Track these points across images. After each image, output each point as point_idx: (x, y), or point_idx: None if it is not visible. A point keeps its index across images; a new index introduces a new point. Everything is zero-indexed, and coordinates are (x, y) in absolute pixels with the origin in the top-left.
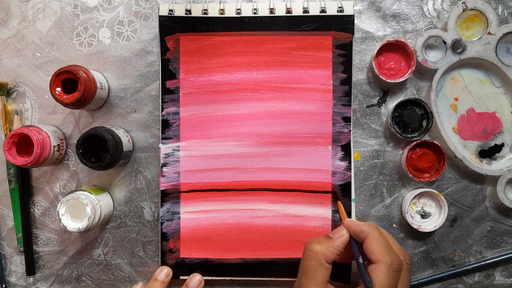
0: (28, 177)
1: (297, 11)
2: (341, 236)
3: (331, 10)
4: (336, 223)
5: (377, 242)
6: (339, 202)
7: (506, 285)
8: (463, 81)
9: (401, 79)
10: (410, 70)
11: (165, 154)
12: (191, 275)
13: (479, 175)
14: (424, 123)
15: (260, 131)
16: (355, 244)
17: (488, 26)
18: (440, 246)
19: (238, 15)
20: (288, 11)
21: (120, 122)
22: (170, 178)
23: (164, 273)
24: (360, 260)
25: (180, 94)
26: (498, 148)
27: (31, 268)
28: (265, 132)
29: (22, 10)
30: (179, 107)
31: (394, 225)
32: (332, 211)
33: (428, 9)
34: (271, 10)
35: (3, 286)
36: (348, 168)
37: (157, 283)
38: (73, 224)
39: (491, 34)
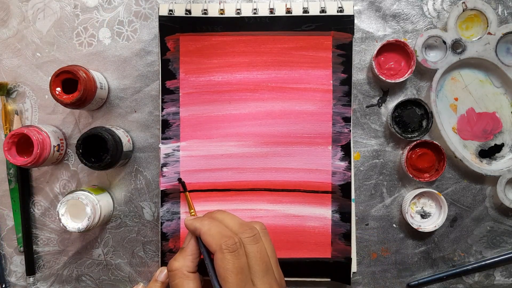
0: (28, 177)
1: (297, 11)
2: (190, 240)
3: (331, 10)
4: (336, 223)
5: (209, 233)
6: (187, 194)
7: (506, 285)
8: (463, 81)
9: (401, 79)
10: (410, 70)
11: (165, 154)
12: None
13: (479, 175)
14: (424, 123)
15: (260, 131)
16: (200, 241)
17: (488, 26)
18: (440, 246)
19: (238, 15)
20: (288, 11)
21: (120, 122)
22: (170, 178)
23: (164, 274)
24: (206, 258)
25: (180, 94)
26: (498, 148)
27: (31, 268)
28: (265, 132)
29: (22, 10)
30: (179, 107)
31: (394, 225)
32: (332, 211)
33: (428, 9)
34: (271, 10)
35: (3, 286)
36: (348, 168)
37: (157, 284)
38: (73, 224)
39: (491, 34)
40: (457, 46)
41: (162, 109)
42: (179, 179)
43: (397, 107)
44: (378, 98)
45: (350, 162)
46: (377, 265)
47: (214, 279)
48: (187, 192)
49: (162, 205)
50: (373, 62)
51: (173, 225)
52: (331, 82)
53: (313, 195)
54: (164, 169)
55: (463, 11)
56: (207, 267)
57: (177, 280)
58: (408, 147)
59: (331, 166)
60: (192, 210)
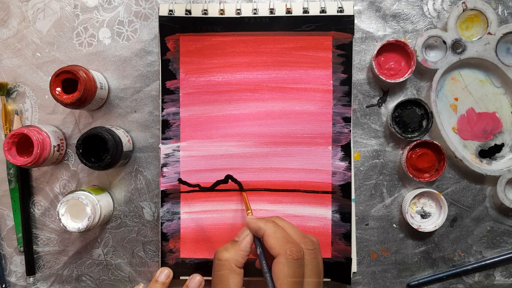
0: (28, 177)
1: (297, 11)
2: (246, 236)
3: (331, 10)
4: (336, 223)
5: (274, 236)
6: (244, 194)
7: (506, 285)
8: (463, 81)
9: (401, 79)
10: (410, 70)
11: (165, 154)
12: (191, 276)
13: (479, 175)
14: (424, 123)
15: (260, 131)
16: (257, 241)
17: (488, 26)
18: (440, 246)
19: (238, 15)
20: (288, 11)
21: (120, 122)
22: (170, 178)
23: (164, 274)
24: (263, 259)
25: (180, 94)
26: (498, 148)
27: (31, 268)
28: (265, 132)
29: (22, 10)
30: (179, 107)
31: (394, 225)
32: (332, 211)
33: (428, 9)
34: (271, 10)
35: (3, 286)
36: (348, 168)
37: (157, 285)
38: (73, 224)
39: (491, 34)
40: (457, 46)
41: (162, 109)
42: (232, 178)
43: (397, 107)
44: (378, 98)
45: (350, 162)
46: (377, 265)
47: (270, 280)
48: (244, 192)
49: (162, 205)
50: (373, 62)
51: (173, 225)
52: (331, 82)
53: (313, 195)
54: (164, 169)
55: (463, 11)
56: (262, 268)
57: (224, 271)
58: (408, 147)
59: (331, 166)
60: (249, 210)
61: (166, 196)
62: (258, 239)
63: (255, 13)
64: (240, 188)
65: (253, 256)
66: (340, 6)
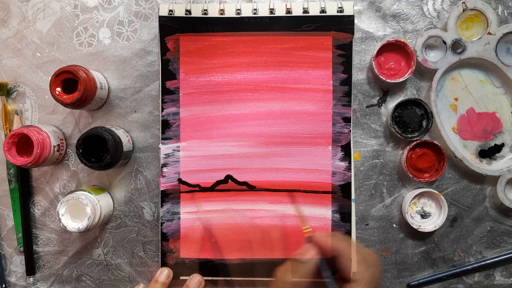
0: (28, 177)
1: (297, 11)
2: (312, 256)
3: (331, 10)
4: (336, 223)
5: (350, 258)
6: (298, 208)
7: (506, 285)
8: (463, 81)
9: (401, 79)
10: (410, 70)
11: (165, 154)
12: (191, 276)
13: (479, 175)
14: (424, 123)
15: (260, 131)
16: (325, 264)
17: (488, 26)
18: (440, 246)
19: (238, 15)
20: (288, 11)
21: (120, 122)
22: (170, 179)
23: (164, 274)
24: (330, 282)
25: (180, 94)
26: (498, 148)
27: (31, 268)
28: (265, 132)
29: (22, 10)
30: (179, 107)
31: (394, 225)
32: (332, 211)
33: (428, 9)
34: (271, 11)
35: (3, 286)
36: (348, 169)
37: (157, 285)
38: (73, 224)
39: (491, 34)
40: (457, 46)
41: (162, 109)
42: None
43: (397, 107)
44: (378, 98)
45: (350, 162)
46: None
47: None
48: (296, 207)
49: (162, 205)
50: (373, 62)
51: (173, 225)
52: (331, 82)
53: (313, 195)
54: (164, 169)
55: (463, 11)
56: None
57: None
58: (408, 147)
59: (331, 166)
60: (307, 226)
61: (166, 196)
62: (325, 259)
63: (255, 13)
64: (292, 199)
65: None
66: (340, 6)
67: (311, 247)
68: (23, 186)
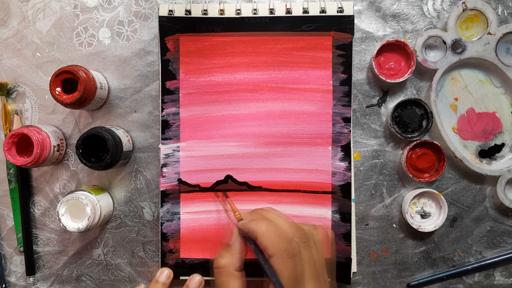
0: (28, 177)
1: (297, 12)
2: (236, 238)
3: (331, 11)
4: (336, 223)
5: (267, 235)
6: (229, 199)
7: (506, 285)
8: (463, 81)
9: (401, 79)
10: (410, 70)
11: (165, 154)
12: (191, 276)
13: (479, 175)
14: (424, 123)
15: (260, 131)
16: (249, 239)
17: (488, 26)
18: (440, 246)
19: (238, 16)
20: (288, 11)
21: (120, 122)
22: (170, 179)
23: (165, 274)
24: (258, 253)
25: (180, 94)
26: (498, 148)
27: (31, 268)
28: (265, 132)
29: (22, 10)
30: (179, 107)
31: (394, 225)
32: (332, 211)
33: (428, 9)
34: (271, 11)
35: (3, 286)
36: (348, 169)
37: (158, 285)
38: (73, 224)
39: (491, 34)
40: (457, 46)
41: (162, 109)
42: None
43: (397, 107)
44: (378, 98)
45: (350, 163)
46: (377, 265)
47: (271, 273)
48: (228, 198)
49: (162, 206)
50: (373, 62)
51: (173, 225)
52: (331, 82)
53: (313, 195)
54: (164, 169)
55: (463, 11)
56: (264, 268)
57: (224, 278)
58: (408, 147)
59: (331, 166)
60: (237, 212)
61: (166, 196)
62: (250, 239)
63: (255, 13)
64: (225, 195)
65: (250, 256)
66: (340, 6)
67: (236, 230)
68: (23, 186)
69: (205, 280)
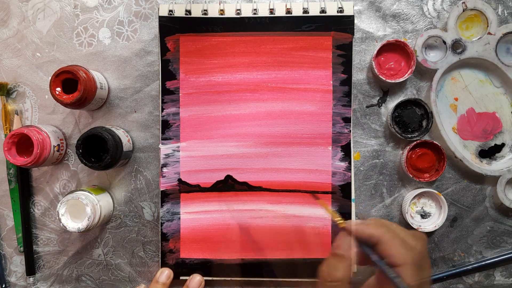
0: (28, 177)
1: (297, 12)
2: (349, 247)
3: (331, 11)
4: (335, 223)
5: (392, 243)
6: (324, 202)
7: (506, 285)
8: (463, 81)
9: (401, 79)
10: (410, 70)
11: (165, 154)
12: (191, 276)
13: (479, 175)
14: (424, 123)
15: (260, 131)
16: (368, 249)
17: (488, 26)
18: (440, 246)
19: (238, 16)
20: (288, 11)
21: (120, 122)
22: (170, 179)
23: (165, 275)
24: (385, 265)
25: (180, 94)
26: (498, 148)
27: (31, 268)
28: (265, 132)
29: (22, 10)
30: (179, 107)
31: None
32: (332, 211)
33: (428, 9)
34: (271, 11)
35: (3, 286)
36: (348, 169)
37: (158, 285)
38: (73, 224)
39: (491, 34)
40: (457, 46)
41: (162, 109)
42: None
43: (397, 107)
44: (378, 98)
45: (350, 163)
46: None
47: (399, 282)
48: (322, 200)
49: (162, 206)
50: (373, 62)
51: (173, 225)
52: (331, 82)
53: (313, 195)
54: (164, 169)
55: (463, 11)
56: (390, 276)
57: None
58: (408, 147)
59: (331, 166)
60: (338, 218)
61: (166, 196)
62: (367, 246)
63: (255, 13)
64: (315, 197)
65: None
66: (340, 6)
67: (347, 238)
68: (23, 186)
69: (205, 280)
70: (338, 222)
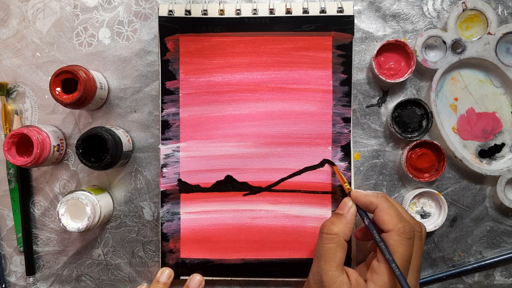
0: (28, 177)
1: (297, 12)
2: (350, 208)
3: (331, 11)
4: (343, 188)
5: (388, 212)
6: (336, 168)
7: (506, 285)
8: (463, 81)
9: (401, 79)
10: (410, 70)
11: (165, 155)
12: (191, 276)
13: (479, 175)
14: (424, 123)
15: (260, 131)
16: (363, 213)
17: (488, 26)
18: (440, 246)
19: (238, 16)
20: (288, 11)
21: (120, 122)
22: (170, 179)
23: (165, 274)
24: (373, 229)
25: (180, 94)
26: (498, 148)
27: (31, 268)
28: (265, 132)
29: (22, 10)
30: (179, 107)
31: None
32: (332, 211)
33: (428, 9)
34: (271, 11)
35: (3, 286)
36: (348, 169)
37: (159, 285)
38: (73, 224)
39: (491, 34)
40: (457, 46)
41: (162, 109)
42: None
43: (397, 107)
44: (378, 98)
45: (350, 163)
46: None
47: (385, 249)
48: (335, 166)
49: (162, 206)
50: (373, 62)
51: (173, 225)
52: (331, 82)
53: (313, 195)
54: (164, 169)
55: (463, 11)
56: (374, 237)
57: (332, 245)
58: (408, 147)
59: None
60: (346, 183)
61: (166, 196)
62: (363, 211)
63: (255, 14)
64: (331, 163)
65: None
66: (340, 6)
67: (349, 201)
68: (23, 186)
69: (205, 280)
70: (346, 187)
